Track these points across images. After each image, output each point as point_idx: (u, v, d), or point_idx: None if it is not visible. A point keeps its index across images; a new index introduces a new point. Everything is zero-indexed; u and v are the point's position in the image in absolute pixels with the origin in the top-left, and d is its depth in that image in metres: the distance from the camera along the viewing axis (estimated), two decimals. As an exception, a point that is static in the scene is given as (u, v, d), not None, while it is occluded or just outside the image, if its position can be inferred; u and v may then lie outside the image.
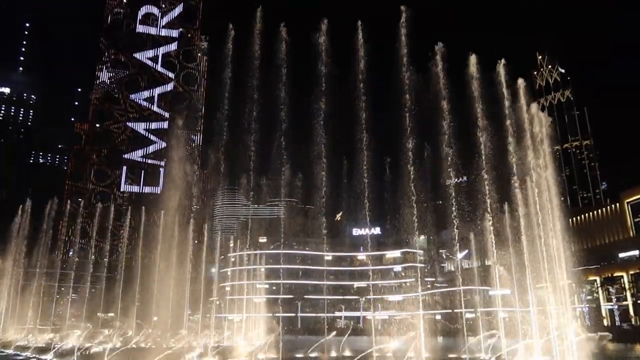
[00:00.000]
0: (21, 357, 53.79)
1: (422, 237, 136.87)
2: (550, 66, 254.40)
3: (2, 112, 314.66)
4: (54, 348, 54.32)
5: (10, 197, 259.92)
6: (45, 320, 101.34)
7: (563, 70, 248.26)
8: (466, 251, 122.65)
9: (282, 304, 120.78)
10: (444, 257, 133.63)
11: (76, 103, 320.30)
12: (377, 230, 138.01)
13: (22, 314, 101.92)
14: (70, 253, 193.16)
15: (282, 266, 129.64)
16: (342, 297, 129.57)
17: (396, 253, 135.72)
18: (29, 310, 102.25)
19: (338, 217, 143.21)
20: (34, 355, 54.12)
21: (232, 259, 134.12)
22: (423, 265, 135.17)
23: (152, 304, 49.52)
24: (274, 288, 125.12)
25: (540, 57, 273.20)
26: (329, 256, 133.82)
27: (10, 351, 61.92)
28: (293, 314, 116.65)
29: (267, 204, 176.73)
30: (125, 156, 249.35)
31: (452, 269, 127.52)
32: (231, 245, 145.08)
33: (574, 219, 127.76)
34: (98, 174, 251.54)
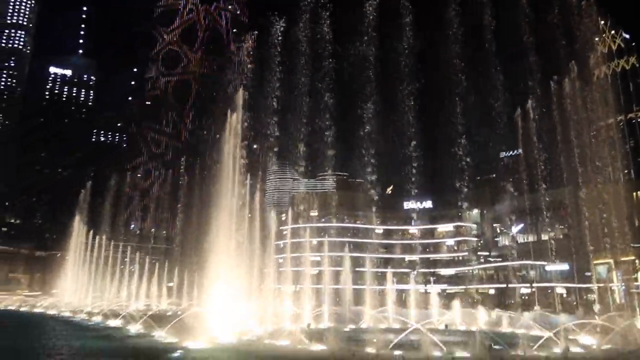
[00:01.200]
0: (91, 323, 57.76)
1: (475, 210, 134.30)
2: (613, 32, 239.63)
3: (65, 93, 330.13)
4: (121, 313, 57.93)
5: (75, 175, 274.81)
6: (112, 288, 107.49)
7: (628, 36, 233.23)
8: (521, 225, 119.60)
9: (334, 276, 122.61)
10: (498, 231, 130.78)
11: (132, 82, 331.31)
12: (428, 204, 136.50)
13: (91, 282, 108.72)
14: (132, 226, 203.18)
15: (333, 239, 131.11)
16: (392, 270, 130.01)
17: (448, 227, 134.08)
18: (96, 279, 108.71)
19: (389, 190, 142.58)
20: (103, 321, 57.99)
21: (284, 232, 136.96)
22: (476, 239, 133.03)
23: (209, 275, 51.49)
24: (325, 260, 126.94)
25: (602, 22, 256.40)
26: (379, 229, 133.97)
27: (81, 317, 66.57)
28: (345, 286, 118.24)
29: (317, 178, 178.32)
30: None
31: (507, 243, 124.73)
32: (283, 218, 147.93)
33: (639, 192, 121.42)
34: (152, 150, 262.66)
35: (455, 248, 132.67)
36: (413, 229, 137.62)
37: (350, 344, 33.23)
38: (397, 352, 30.80)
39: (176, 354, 30.31)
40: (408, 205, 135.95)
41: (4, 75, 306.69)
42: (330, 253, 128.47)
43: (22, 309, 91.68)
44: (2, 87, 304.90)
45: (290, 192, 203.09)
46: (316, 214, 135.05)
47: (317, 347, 32.69)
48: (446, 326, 51.09)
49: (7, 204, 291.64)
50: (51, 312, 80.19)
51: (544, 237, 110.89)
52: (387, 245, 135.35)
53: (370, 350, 30.98)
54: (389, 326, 48.58)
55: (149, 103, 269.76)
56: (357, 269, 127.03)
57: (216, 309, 42.55)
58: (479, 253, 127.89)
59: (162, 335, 39.04)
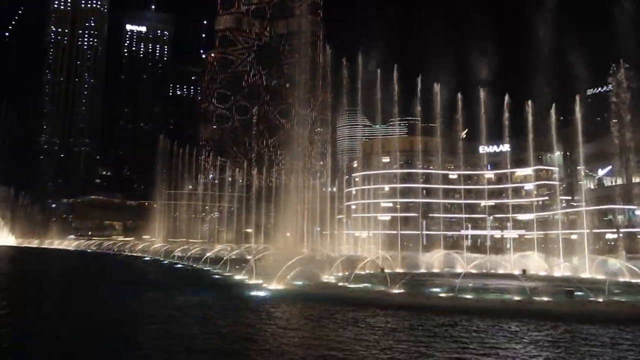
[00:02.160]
0: (180, 265, 62.31)
1: (557, 153, 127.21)
2: None
3: (142, 49, 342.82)
4: (205, 257, 61.94)
5: (156, 128, 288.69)
6: (196, 234, 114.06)
7: None
8: (609, 167, 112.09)
9: (406, 222, 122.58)
10: (583, 174, 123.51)
11: (203, 35, 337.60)
12: (505, 147, 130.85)
13: (177, 229, 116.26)
14: (211, 175, 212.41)
15: (406, 185, 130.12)
16: (468, 216, 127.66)
17: (527, 170, 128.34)
18: (182, 226, 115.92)
19: (463, 134, 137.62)
20: (189, 263, 62.38)
21: (356, 179, 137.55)
22: (558, 182, 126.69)
23: (285, 221, 53.35)
24: (397, 206, 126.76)
25: None
26: (453, 174, 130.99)
27: (170, 260, 71.95)
28: (417, 232, 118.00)
29: (388, 123, 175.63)
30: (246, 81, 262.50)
31: (592, 186, 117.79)
32: (354, 165, 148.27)
33: None
34: (220, 98, 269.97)
35: (535, 192, 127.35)
36: (489, 174, 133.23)
37: (423, 288, 33.51)
38: (469, 296, 30.71)
39: (260, 292, 32.18)
40: (484, 149, 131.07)
41: (86, 36, 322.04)
42: (403, 199, 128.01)
43: (117, 252, 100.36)
44: (85, 47, 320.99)
45: (361, 139, 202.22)
46: (387, 160, 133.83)
47: (391, 290, 33.28)
48: (524, 272, 49.98)
49: (98, 157, 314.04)
50: (142, 255, 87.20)
51: (635, 179, 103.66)
52: (462, 191, 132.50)
53: (444, 294, 31.12)
54: (465, 271, 48.18)
55: (221, 54, 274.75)
56: (430, 215, 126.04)
57: (291, 253, 44.28)
58: (560, 197, 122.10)
59: (244, 277, 41.47)
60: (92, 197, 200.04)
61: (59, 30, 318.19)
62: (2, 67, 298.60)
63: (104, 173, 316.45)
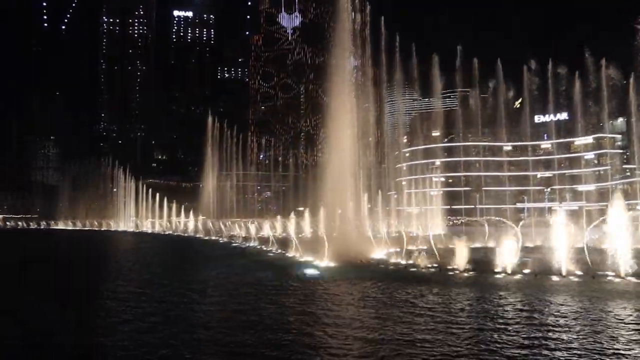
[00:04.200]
0: (234, 244, 63.93)
1: (619, 119, 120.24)
2: None
3: (189, 34, 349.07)
4: (255, 237, 63.16)
5: (206, 111, 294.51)
6: (249, 213, 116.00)
7: None
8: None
9: (459, 197, 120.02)
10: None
11: (248, 17, 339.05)
12: (563, 116, 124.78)
13: (230, 208, 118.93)
14: (262, 156, 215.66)
15: (459, 158, 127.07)
16: (524, 188, 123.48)
17: (587, 139, 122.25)
18: (235, 206, 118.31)
19: (517, 104, 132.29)
20: (241, 242, 63.87)
21: (407, 154, 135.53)
22: (621, 151, 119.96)
23: (336, 198, 53.16)
24: (450, 181, 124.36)
25: None
26: (508, 146, 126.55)
27: (224, 240, 73.98)
28: (472, 206, 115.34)
29: (439, 96, 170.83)
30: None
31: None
32: (405, 140, 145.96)
33: None
34: (265, 76, 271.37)
35: (596, 162, 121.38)
36: (546, 144, 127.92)
37: (479, 264, 32.64)
38: (527, 271, 29.73)
39: (310, 269, 32.50)
40: (540, 118, 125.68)
41: (136, 23, 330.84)
42: (455, 173, 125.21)
43: (175, 233, 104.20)
44: (135, 35, 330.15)
45: (411, 113, 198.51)
46: (439, 133, 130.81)
47: (433, 264, 32.72)
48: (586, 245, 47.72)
49: (153, 142, 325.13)
50: (200, 235, 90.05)
51: None
52: (517, 162, 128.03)
53: (499, 269, 30.22)
54: (521, 245, 46.55)
55: (266, 33, 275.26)
56: (484, 188, 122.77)
57: (342, 231, 44.30)
58: (624, 166, 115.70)
59: (294, 255, 41.99)
60: (150, 180, 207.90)
61: (111, 20, 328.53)
62: (60, 60, 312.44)
63: (159, 157, 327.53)
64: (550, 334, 15.60)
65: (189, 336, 15.61)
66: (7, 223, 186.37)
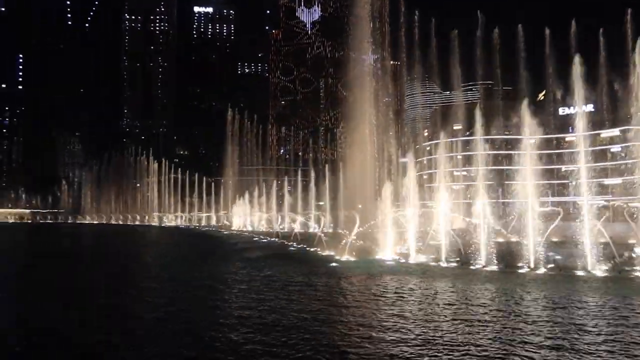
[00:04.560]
0: (255, 238, 64.35)
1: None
2: None
3: (209, 30, 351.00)
4: (277, 232, 63.43)
5: (226, 106, 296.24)
6: (270, 208, 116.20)
7: None
8: None
9: (481, 191, 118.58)
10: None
11: (268, 11, 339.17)
12: (589, 108, 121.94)
13: (251, 203, 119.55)
14: (282, 150, 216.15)
15: (480, 152, 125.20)
16: (548, 182, 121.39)
17: (614, 131, 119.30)
18: (256, 200, 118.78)
19: (541, 96, 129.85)
20: (265, 237, 64.25)
21: (427, 148, 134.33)
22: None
23: (355, 193, 53.19)
24: (472, 175, 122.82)
25: None
26: (531, 139, 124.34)
27: (246, 233, 74.52)
28: (494, 200, 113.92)
29: (460, 89, 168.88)
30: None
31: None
32: (425, 134, 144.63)
33: None
34: (285, 71, 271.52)
35: (623, 155, 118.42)
36: (570, 137, 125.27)
37: (503, 258, 32.29)
38: (551, 266, 29.31)
39: (333, 263, 32.61)
40: (564, 110, 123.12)
41: (158, 20, 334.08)
42: (478, 167, 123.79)
43: (197, 227, 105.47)
44: (157, 32, 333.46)
45: (432, 106, 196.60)
46: (461, 127, 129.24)
47: (453, 260, 32.45)
48: (611, 238, 46.77)
49: (175, 137, 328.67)
50: (222, 230, 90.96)
51: None
52: (541, 156, 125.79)
53: (523, 265, 29.83)
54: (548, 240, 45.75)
55: (286, 27, 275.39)
56: (507, 182, 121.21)
57: (362, 227, 44.27)
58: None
59: (315, 250, 42.10)
60: (172, 175, 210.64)
61: (133, 17, 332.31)
62: (84, 57, 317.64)
63: (181, 152, 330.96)
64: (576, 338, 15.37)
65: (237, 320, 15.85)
66: (37, 217, 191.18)
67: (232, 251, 47.50)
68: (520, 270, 29.02)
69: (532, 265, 29.39)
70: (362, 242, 40.65)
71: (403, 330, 15.34)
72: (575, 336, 14.64)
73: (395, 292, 22.52)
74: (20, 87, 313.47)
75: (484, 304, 19.68)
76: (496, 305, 19.42)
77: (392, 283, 25.05)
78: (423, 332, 15.14)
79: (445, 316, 17.26)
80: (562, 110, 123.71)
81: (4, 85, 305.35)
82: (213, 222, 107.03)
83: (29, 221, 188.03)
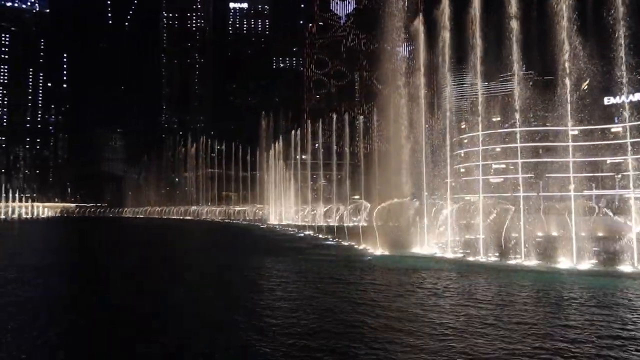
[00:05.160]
0: (291, 232, 64.72)
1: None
2: None
3: (245, 26, 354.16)
4: (312, 225, 63.53)
5: (262, 101, 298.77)
6: (305, 202, 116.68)
7: None
8: None
9: (521, 184, 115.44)
10: None
11: (302, 5, 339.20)
12: (636, 97, 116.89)
13: (287, 197, 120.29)
14: (316, 145, 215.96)
15: (520, 144, 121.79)
16: (592, 175, 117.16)
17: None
18: (291, 194, 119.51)
19: (585, 85, 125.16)
20: (298, 231, 64.52)
21: (465, 141, 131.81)
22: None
23: (391, 186, 52.59)
24: (511, 168, 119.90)
25: None
26: (574, 130, 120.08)
27: (281, 227, 75.03)
28: (534, 194, 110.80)
29: (498, 79, 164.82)
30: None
31: None
32: (462, 126, 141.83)
33: None
34: (318, 63, 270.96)
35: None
36: (616, 127, 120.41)
37: (543, 253, 31.29)
38: (594, 261, 28.19)
39: (369, 257, 32.43)
40: (609, 100, 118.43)
41: (194, 18, 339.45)
42: (517, 160, 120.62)
43: (234, 221, 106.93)
44: (193, 28, 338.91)
45: (469, 98, 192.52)
46: (499, 118, 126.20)
47: (494, 255, 31.63)
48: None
49: (212, 132, 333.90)
50: (258, 223, 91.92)
51: None
52: (584, 148, 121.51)
53: (566, 260, 28.81)
54: (593, 235, 44.18)
55: (320, 19, 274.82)
56: (548, 175, 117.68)
57: (400, 222, 43.76)
58: None
59: (351, 244, 41.95)
60: (210, 170, 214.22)
61: (170, 15, 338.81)
62: (124, 56, 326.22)
63: (218, 147, 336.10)
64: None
65: (270, 311, 15.92)
66: (80, 210, 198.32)
67: (268, 244, 47.85)
68: (562, 266, 28.03)
69: (575, 261, 28.35)
70: (398, 235, 40.21)
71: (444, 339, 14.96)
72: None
73: (431, 289, 22.11)
74: (65, 85, 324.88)
75: (526, 302, 19.06)
76: (535, 305, 18.77)
77: (428, 279, 24.61)
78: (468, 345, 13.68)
79: (493, 321, 16.67)
80: (607, 100, 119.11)
81: (49, 84, 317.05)
82: (250, 215, 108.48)
83: (74, 215, 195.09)
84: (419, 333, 14.26)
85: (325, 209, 78.25)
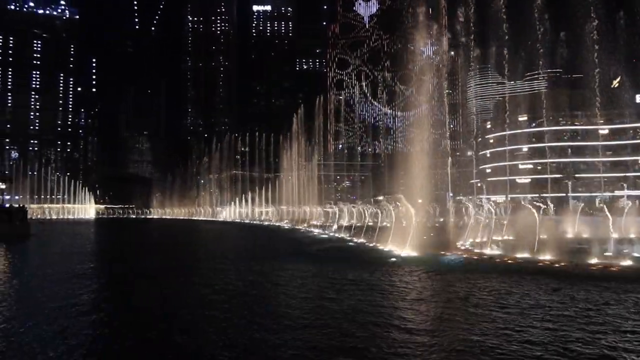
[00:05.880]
0: (315, 232, 64.88)
1: None
2: None
3: (268, 28, 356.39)
4: (335, 225, 63.63)
5: (286, 103, 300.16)
6: (329, 203, 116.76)
7: None
8: None
9: (549, 184, 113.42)
10: None
11: (325, 7, 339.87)
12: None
13: (310, 198, 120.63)
14: (340, 146, 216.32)
15: (548, 144, 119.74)
16: (623, 175, 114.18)
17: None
18: (315, 195, 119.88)
19: (615, 83, 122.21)
20: (322, 231, 64.65)
21: (491, 141, 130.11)
22: None
23: (416, 187, 52.27)
24: (539, 168, 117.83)
25: None
26: (604, 129, 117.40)
27: (304, 227, 75.29)
28: (563, 194, 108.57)
29: (525, 78, 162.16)
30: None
31: None
32: (488, 126, 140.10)
33: None
34: (340, 64, 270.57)
35: None
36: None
37: (573, 254, 30.70)
38: (625, 263, 27.53)
39: (394, 259, 32.26)
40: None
41: (218, 21, 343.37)
42: (544, 160, 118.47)
43: (258, 222, 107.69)
44: (218, 32, 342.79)
45: (494, 97, 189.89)
46: (526, 118, 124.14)
47: (524, 256, 31.11)
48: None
49: (236, 135, 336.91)
50: (282, 224, 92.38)
51: None
52: (615, 147, 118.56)
53: (594, 260, 28.21)
54: (622, 236, 43.16)
55: (344, 19, 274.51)
56: (577, 175, 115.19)
57: (422, 220, 43.43)
58: None
59: (375, 245, 41.80)
60: (234, 172, 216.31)
61: (195, 19, 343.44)
62: (151, 59, 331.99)
63: (242, 149, 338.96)
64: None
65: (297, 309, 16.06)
66: (109, 211, 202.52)
67: (291, 246, 48.03)
68: (592, 268, 27.43)
69: (606, 262, 27.73)
70: (425, 236, 39.92)
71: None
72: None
73: (462, 292, 21.91)
74: (93, 89, 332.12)
75: (566, 306, 18.73)
76: (574, 309, 18.39)
77: (458, 282, 24.37)
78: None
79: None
80: (639, 98, 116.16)
81: (79, 89, 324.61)
82: (274, 216, 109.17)
83: (104, 215, 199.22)
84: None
85: (349, 207, 78.11)
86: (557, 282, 22.86)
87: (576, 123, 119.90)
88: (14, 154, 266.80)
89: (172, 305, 19.34)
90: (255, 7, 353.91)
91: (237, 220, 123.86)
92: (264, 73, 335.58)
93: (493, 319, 15.90)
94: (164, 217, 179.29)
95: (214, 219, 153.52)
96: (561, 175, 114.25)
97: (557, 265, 28.38)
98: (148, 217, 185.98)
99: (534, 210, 36.50)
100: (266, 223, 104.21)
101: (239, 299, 20.38)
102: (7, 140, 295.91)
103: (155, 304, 19.79)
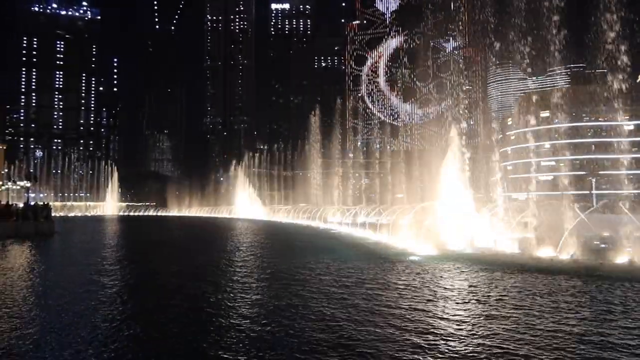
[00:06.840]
0: (333, 231, 64.99)
1: None
2: None
3: (287, 27, 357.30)
4: (354, 224, 63.59)
5: (304, 101, 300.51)
6: (348, 200, 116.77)
7: None
8: None
9: (572, 182, 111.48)
10: None
11: (343, 4, 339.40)
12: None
13: (329, 196, 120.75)
14: (359, 143, 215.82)
15: (570, 140, 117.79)
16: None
17: None
18: (334, 193, 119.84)
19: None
20: (340, 230, 64.73)
21: (512, 137, 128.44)
22: None
23: (435, 185, 51.90)
24: (561, 165, 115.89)
25: None
26: (629, 125, 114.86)
27: (324, 226, 75.46)
28: (586, 192, 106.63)
29: (547, 74, 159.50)
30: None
31: None
32: (509, 123, 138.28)
33: None
34: (358, 59, 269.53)
35: None
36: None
37: (593, 253, 30.21)
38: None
39: (412, 257, 32.13)
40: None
41: (237, 20, 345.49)
42: (567, 157, 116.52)
43: (277, 220, 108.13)
44: (237, 31, 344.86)
45: (515, 94, 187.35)
46: (547, 114, 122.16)
47: (548, 253, 30.68)
48: None
49: (255, 133, 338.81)
50: (308, 223, 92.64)
51: None
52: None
53: (616, 260, 27.70)
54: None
55: (362, 15, 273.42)
56: (600, 172, 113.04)
57: (442, 219, 43.14)
58: None
59: (394, 243, 41.65)
60: (253, 169, 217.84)
61: (214, 18, 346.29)
62: (170, 58, 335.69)
63: (261, 147, 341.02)
64: None
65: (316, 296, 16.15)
66: (130, 209, 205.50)
67: (308, 244, 48.13)
68: (609, 264, 26.99)
69: (625, 260, 27.22)
70: (443, 233, 39.66)
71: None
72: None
73: (485, 293, 21.75)
74: (115, 89, 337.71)
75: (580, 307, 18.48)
76: (596, 308, 18.14)
77: (482, 283, 24.18)
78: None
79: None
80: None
81: (101, 88, 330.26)
82: (291, 214, 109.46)
83: (125, 213, 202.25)
84: None
85: (369, 207, 78.04)
86: None
87: (600, 119, 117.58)
88: (38, 153, 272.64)
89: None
90: (273, 5, 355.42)
91: (262, 219, 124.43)
92: (282, 71, 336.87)
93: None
94: (185, 214, 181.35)
95: (232, 217, 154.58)
96: (584, 173, 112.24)
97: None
98: (169, 214, 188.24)
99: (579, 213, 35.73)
100: (285, 221, 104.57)
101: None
102: (32, 139, 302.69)
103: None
